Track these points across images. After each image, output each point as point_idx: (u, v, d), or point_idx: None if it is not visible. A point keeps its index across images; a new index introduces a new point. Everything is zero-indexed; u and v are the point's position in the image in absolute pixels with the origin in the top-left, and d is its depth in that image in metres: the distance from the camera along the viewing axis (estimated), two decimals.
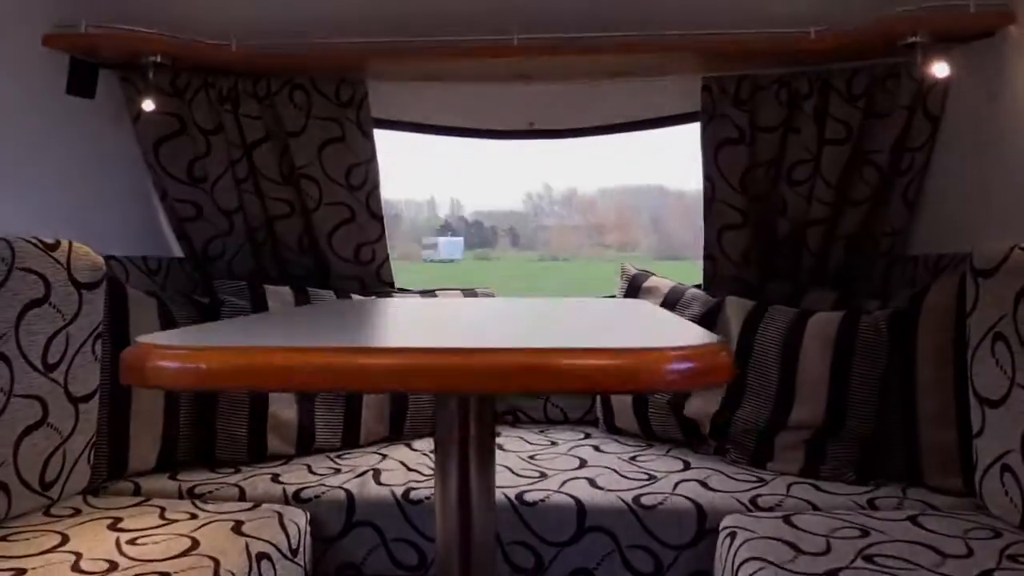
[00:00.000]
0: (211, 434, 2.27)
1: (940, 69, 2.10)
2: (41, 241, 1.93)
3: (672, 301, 2.56)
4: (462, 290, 2.72)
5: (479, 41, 2.26)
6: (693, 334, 0.99)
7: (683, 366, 0.82)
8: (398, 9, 2.35)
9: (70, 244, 2.00)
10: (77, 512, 1.88)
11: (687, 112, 2.66)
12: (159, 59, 2.26)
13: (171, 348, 0.85)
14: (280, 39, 2.37)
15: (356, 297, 2.56)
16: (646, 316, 1.40)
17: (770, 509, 1.93)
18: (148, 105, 2.38)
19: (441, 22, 2.33)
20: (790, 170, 2.53)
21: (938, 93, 2.30)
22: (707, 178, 2.59)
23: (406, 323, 1.44)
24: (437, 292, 2.70)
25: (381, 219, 2.69)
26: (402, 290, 2.83)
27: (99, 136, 2.47)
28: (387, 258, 2.74)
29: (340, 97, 2.58)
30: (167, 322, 2.26)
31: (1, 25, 2.10)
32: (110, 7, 2.24)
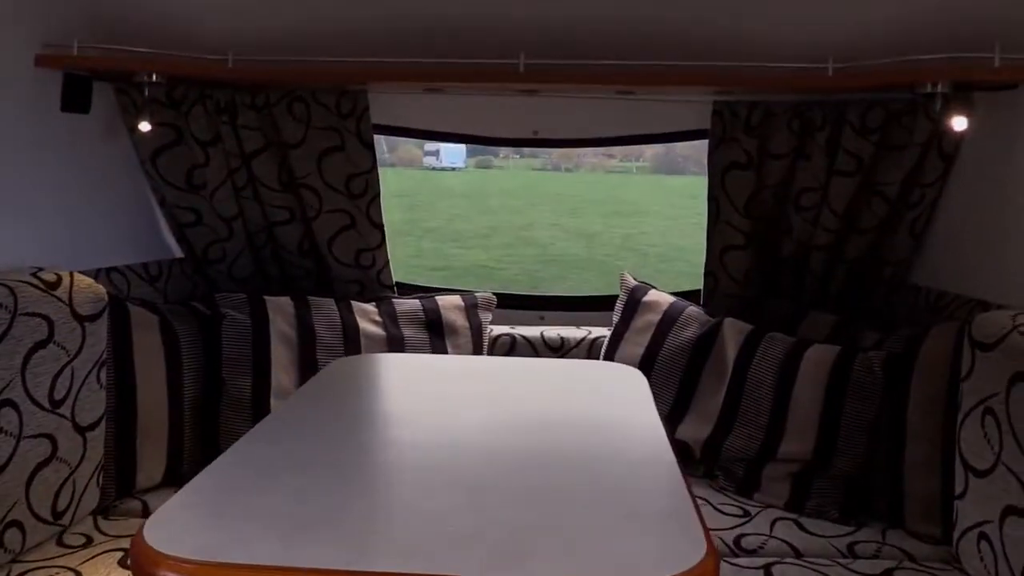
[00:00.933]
0: (215, 447, 2.32)
1: (959, 123, 2.04)
2: (42, 280, 1.93)
3: (671, 319, 2.57)
4: (461, 294, 2.72)
5: (485, 65, 2.18)
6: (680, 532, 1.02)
7: None
8: (401, 26, 2.25)
9: (71, 277, 2.00)
10: (88, 541, 1.95)
11: (695, 129, 2.59)
12: (155, 78, 2.20)
13: (179, 561, 0.89)
14: (280, 55, 2.29)
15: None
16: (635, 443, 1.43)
17: (753, 552, 2.01)
18: (144, 126, 2.33)
19: (446, 41, 2.24)
20: (797, 196, 2.50)
21: (954, 134, 2.24)
22: (712, 198, 2.56)
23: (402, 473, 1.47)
24: (436, 297, 2.70)
25: (382, 227, 2.67)
26: (402, 288, 2.84)
27: (96, 148, 2.43)
28: (387, 263, 2.74)
29: (340, 109, 2.52)
30: (170, 341, 2.28)
31: None
32: (104, 23, 2.15)
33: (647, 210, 22.56)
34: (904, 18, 2.15)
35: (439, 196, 21.56)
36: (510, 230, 17.96)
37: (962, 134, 2.22)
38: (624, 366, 2.23)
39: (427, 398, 1.88)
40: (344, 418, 1.72)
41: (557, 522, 1.23)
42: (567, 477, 1.42)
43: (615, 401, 1.91)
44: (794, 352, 2.30)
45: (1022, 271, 2.07)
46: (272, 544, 1.07)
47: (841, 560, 1.95)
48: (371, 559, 1.07)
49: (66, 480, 1.95)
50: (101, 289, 2.07)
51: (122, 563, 1.85)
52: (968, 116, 2.10)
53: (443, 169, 38.75)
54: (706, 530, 1.15)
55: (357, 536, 1.16)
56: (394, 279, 2.79)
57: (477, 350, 2.64)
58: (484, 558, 1.08)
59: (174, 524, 1.09)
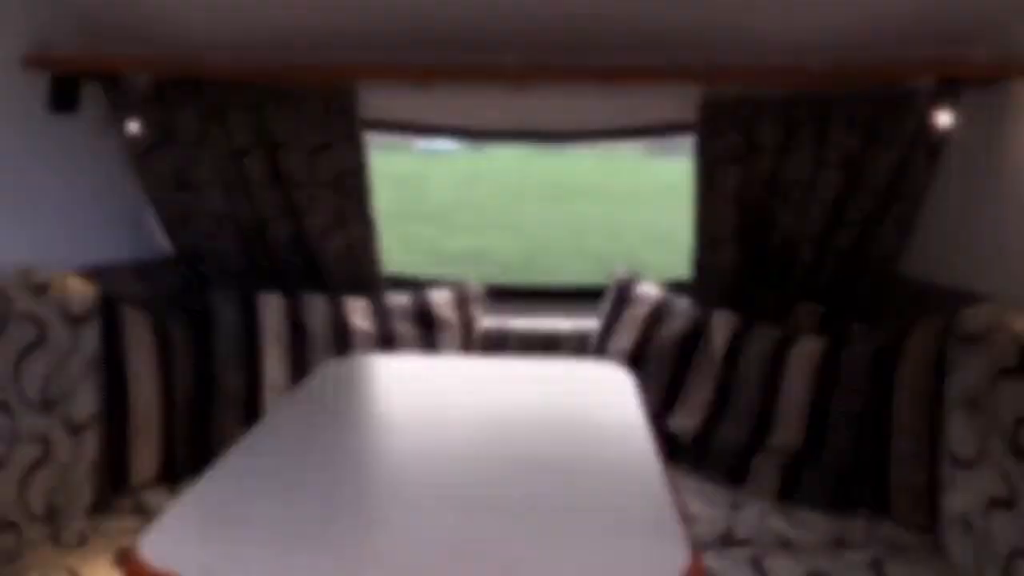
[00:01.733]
0: (208, 444, 2.34)
1: (946, 118, 2.05)
2: (33, 282, 1.93)
3: (660, 311, 2.59)
4: (451, 286, 2.73)
5: (474, 63, 2.17)
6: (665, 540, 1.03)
7: None
8: (390, 25, 2.23)
9: (62, 278, 2.00)
10: (84, 540, 1.96)
11: (683, 122, 2.59)
12: (143, 78, 2.19)
13: None
14: (269, 53, 2.27)
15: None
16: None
17: (742, 543, 2.04)
18: (134, 125, 2.33)
19: (434, 38, 2.23)
20: (784, 189, 2.51)
21: (941, 128, 2.24)
22: (700, 191, 2.56)
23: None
24: (426, 292, 2.70)
25: (373, 223, 2.66)
26: (393, 281, 2.84)
27: (85, 147, 2.42)
28: (378, 258, 2.73)
29: (330, 106, 2.51)
30: (162, 339, 2.28)
31: None
32: (92, 23, 2.14)
33: (640, 192, 22.54)
34: (892, 14, 2.15)
35: (430, 180, 21.51)
36: (502, 214, 17.92)
37: (949, 129, 2.23)
38: (612, 365, 2.24)
39: (416, 406, 1.89)
40: (334, 428, 1.73)
41: (546, 534, 1.25)
42: (556, 486, 1.44)
43: (602, 404, 1.92)
44: (782, 344, 2.32)
45: (1007, 264, 2.09)
46: (267, 561, 1.08)
47: (829, 551, 1.98)
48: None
49: (60, 480, 1.97)
50: (92, 289, 2.08)
51: (117, 561, 1.87)
52: (955, 111, 2.11)
53: (435, 151, 38.78)
54: (690, 538, 1.17)
55: (350, 554, 1.17)
56: (384, 272, 2.79)
57: (468, 344, 2.65)
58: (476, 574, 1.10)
59: (167, 539, 1.10)
